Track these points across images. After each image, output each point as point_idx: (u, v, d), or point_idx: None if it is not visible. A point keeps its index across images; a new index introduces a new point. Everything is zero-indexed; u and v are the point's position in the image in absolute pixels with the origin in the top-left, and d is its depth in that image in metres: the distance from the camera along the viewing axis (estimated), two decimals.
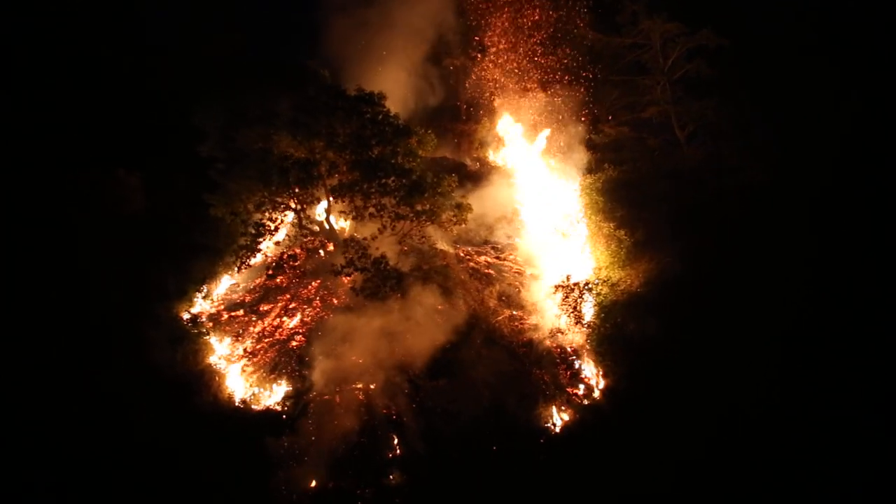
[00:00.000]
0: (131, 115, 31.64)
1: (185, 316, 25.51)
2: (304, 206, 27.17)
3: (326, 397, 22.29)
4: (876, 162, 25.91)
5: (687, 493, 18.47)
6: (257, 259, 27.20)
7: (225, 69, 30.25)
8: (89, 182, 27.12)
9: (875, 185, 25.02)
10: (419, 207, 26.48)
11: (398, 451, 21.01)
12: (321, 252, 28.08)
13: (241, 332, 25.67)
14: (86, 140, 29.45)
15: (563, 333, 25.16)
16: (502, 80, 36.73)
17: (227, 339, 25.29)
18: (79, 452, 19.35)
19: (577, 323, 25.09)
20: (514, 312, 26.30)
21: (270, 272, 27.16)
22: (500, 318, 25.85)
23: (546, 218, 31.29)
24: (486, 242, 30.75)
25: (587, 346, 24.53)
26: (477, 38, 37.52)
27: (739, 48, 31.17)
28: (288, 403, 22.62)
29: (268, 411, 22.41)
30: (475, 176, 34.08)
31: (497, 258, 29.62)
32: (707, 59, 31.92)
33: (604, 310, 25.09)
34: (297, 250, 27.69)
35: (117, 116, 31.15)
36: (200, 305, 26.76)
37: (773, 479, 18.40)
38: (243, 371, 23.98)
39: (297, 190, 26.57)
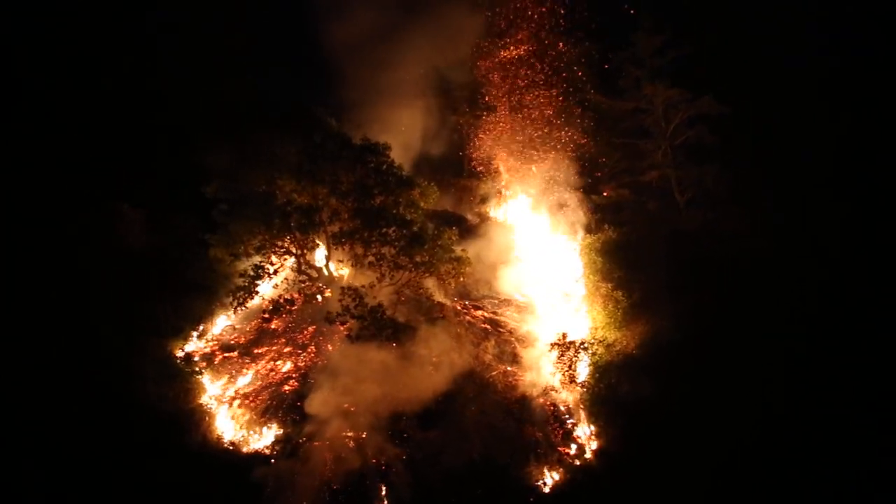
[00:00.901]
0: (138, 150, 32.06)
1: (179, 353, 25.47)
2: (304, 251, 27.33)
3: (316, 444, 22.06)
4: (875, 226, 26.16)
5: None
6: (254, 301, 27.19)
7: (235, 112, 30.64)
8: (93, 216, 27.32)
9: (873, 251, 25.23)
10: (418, 259, 26.62)
11: (385, 502, 20.73)
12: (318, 298, 28.09)
13: (233, 373, 25.57)
14: (91, 174, 29.77)
15: (556, 391, 25.04)
16: (507, 138, 37.15)
17: (220, 380, 25.16)
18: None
19: (571, 382, 25.00)
20: (509, 368, 26.21)
21: (266, 315, 27.09)
22: (494, 372, 25.76)
23: (544, 276, 31.41)
24: (483, 297, 30.78)
25: (581, 406, 24.40)
26: (484, 96, 38.00)
27: (742, 115, 31.64)
28: (277, 448, 22.37)
29: (256, 454, 22.16)
30: (475, 230, 34.32)
31: (494, 313, 29.61)
32: (709, 126, 32.36)
33: (598, 370, 25.04)
34: (295, 295, 27.68)
35: (124, 151, 31.56)
36: (195, 344, 26.72)
37: None
38: (234, 413, 23.79)
39: (297, 235, 26.74)
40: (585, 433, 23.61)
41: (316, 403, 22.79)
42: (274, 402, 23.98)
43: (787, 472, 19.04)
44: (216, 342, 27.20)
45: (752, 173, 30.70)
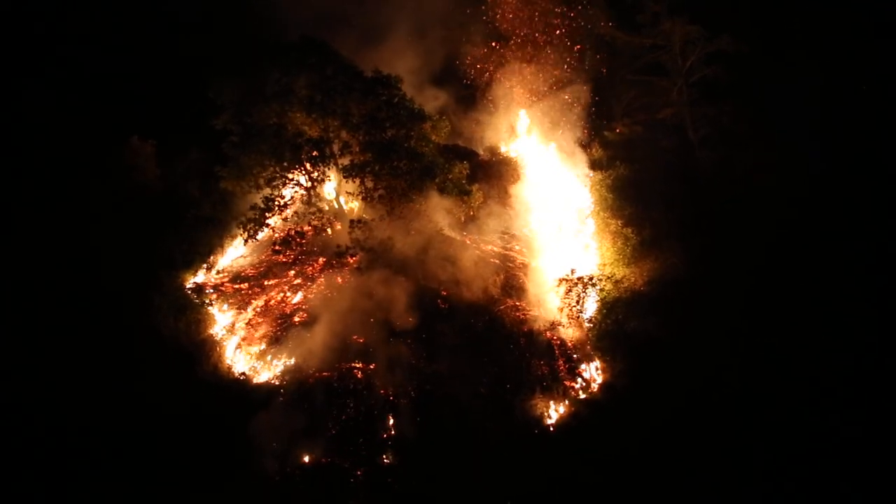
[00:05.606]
0: (148, 84, 31.98)
1: (190, 285, 25.70)
2: (315, 183, 27.26)
3: (326, 374, 22.39)
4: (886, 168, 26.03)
5: (679, 491, 18.53)
6: (264, 233, 27.32)
7: (245, 44, 30.34)
8: (103, 149, 27.43)
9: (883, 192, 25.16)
10: (429, 192, 26.62)
11: (393, 433, 21.08)
12: (328, 231, 28.16)
13: (243, 304, 25.81)
14: (101, 107, 29.82)
15: (563, 327, 25.18)
16: (520, 72, 36.64)
17: (230, 311, 25.43)
18: (82, 416, 19.59)
19: (578, 317, 25.15)
20: (517, 302, 26.33)
21: (277, 247, 27.18)
22: (502, 306, 25.89)
23: (554, 211, 31.30)
24: (493, 232, 30.70)
25: (587, 341, 24.58)
26: (497, 29, 37.39)
27: (759, 55, 31.12)
28: (287, 378, 22.68)
29: (267, 385, 22.49)
30: (486, 165, 34.11)
31: (503, 248, 29.64)
32: (725, 64, 31.89)
33: (606, 306, 25.16)
34: (305, 227, 27.72)
35: (134, 84, 31.51)
36: (205, 276, 26.93)
37: (766, 480, 18.44)
38: (244, 343, 24.11)
39: (308, 167, 26.65)
40: (591, 368, 23.84)
41: (325, 337, 23.09)
42: (284, 334, 24.24)
43: (792, 404, 19.31)
44: (227, 274, 27.43)
45: (768, 113, 30.32)
